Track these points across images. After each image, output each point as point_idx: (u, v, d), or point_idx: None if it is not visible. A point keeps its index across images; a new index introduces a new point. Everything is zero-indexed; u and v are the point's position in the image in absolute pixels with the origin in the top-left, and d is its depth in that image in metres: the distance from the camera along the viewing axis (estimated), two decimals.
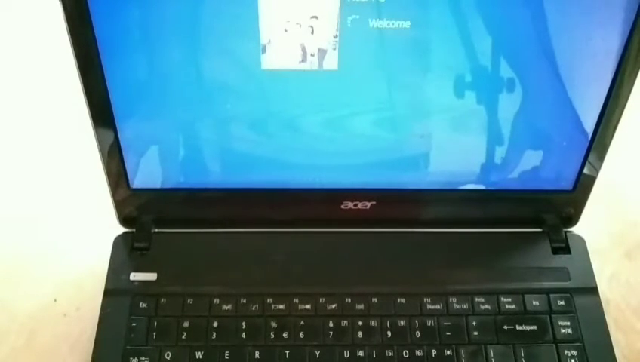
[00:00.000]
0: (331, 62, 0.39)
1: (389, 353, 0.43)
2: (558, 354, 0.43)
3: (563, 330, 0.44)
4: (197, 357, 0.42)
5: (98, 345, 0.43)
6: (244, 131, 0.43)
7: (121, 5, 0.36)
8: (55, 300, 0.48)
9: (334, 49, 0.38)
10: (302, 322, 0.44)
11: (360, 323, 0.44)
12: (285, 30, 0.37)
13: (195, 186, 0.46)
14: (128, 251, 0.47)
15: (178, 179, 0.46)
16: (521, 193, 0.47)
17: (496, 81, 0.40)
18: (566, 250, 0.48)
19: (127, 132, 0.42)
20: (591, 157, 0.44)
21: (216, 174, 0.45)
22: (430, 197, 0.47)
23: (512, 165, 0.45)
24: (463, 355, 0.43)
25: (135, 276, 0.45)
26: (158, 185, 0.46)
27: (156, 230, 0.48)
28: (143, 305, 0.44)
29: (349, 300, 0.45)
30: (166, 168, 0.45)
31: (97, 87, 0.39)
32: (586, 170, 0.45)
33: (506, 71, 0.40)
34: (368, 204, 0.47)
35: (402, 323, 0.44)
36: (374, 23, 0.37)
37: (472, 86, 0.40)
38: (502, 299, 0.45)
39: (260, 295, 0.45)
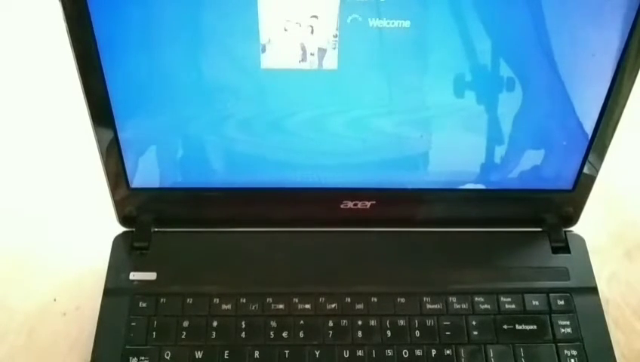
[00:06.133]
0: (331, 61, 0.39)
1: (389, 352, 0.43)
2: (557, 353, 0.43)
3: (563, 330, 0.44)
4: (197, 356, 0.42)
5: (97, 344, 0.43)
6: (244, 131, 0.43)
7: (120, 5, 0.36)
8: (55, 299, 0.48)
9: (334, 48, 0.38)
10: (302, 322, 0.44)
11: (360, 322, 0.44)
12: (285, 30, 0.37)
13: (194, 186, 0.46)
14: (128, 250, 0.47)
15: (177, 178, 0.46)
16: (521, 192, 0.47)
17: (495, 81, 0.40)
18: (566, 249, 0.48)
19: (127, 131, 0.42)
20: (591, 157, 0.44)
21: (215, 173, 0.45)
22: (430, 196, 0.47)
23: (511, 165, 0.45)
24: (462, 355, 0.43)
25: (135, 275, 0.45)
26: (157, 185, 0.46)
27: (156, 229, 0.48)
28: (142, 304, 0.44)
29: (349, 300, 0.45)
30: (165, 168, 0.45)
31: (97, 86, 0.39)
32: (585, 170, 0.45)
33: (505, 71, 0.40)
34: (368, 204, 0.47)
35: (402, 322, 0.44)
36: (374, 22, 0.37)
37: (471, 86, 0.40)
38: (502, 298, 0.45)
39: (259, 294, 0.45)
